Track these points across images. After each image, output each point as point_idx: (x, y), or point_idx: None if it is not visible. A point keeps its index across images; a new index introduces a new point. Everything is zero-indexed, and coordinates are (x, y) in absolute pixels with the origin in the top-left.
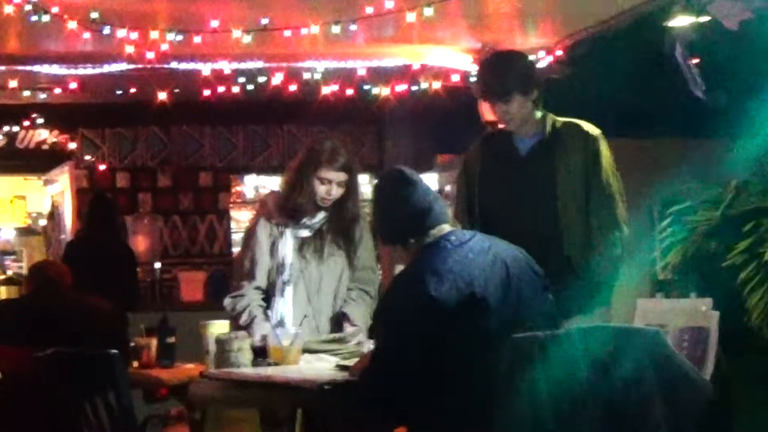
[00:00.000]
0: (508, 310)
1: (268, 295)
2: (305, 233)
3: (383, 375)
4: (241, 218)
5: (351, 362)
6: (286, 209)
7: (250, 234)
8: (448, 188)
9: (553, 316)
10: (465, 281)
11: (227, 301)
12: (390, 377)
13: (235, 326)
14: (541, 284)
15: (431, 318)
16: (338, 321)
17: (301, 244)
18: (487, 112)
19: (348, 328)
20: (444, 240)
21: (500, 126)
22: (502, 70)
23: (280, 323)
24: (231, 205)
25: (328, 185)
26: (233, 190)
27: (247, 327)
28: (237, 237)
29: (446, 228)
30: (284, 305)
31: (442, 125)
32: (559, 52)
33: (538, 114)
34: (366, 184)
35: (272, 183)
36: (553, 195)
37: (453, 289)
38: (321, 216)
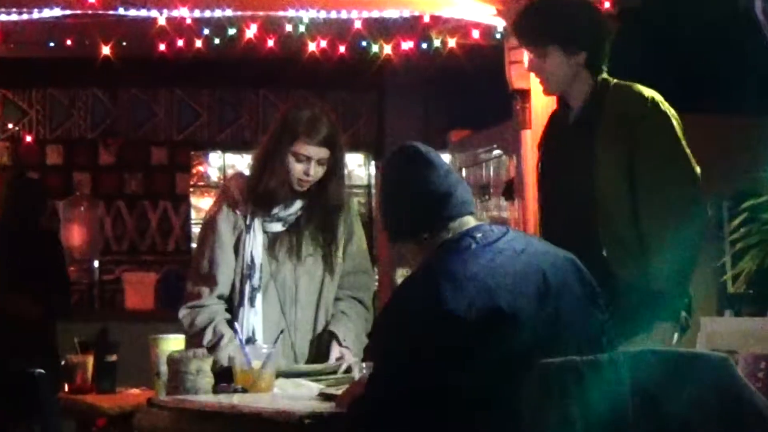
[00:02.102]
0: (542, 329)
1: (232, 305)
2: (277, 227)
3: (381, 406)
4: (203, 206)
5: (338, 390)
6: (254, 195)
7: (210, 227)
8: (464, 173)
9: (599, 339)
10: (489, 292)
11: (183, 313)
12: (389, 409)
13: (192, 343)
14: (590, 299)
15: (445, 336)
16: (322, 340)
17: (273, 241)
18: (516, 77)
19: (334, 351)
20: (467, 237)
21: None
22: (542, 10)
23: (250, 340)
24: (191, 190)
25: (306, 163)
26: (194, 171)
27: (211, 348)
28: (197, 229)
29: (471, 221)
30: (255, 317)
31: (459, 94)
32: (608, 4)
33: (591, 75)
34: (360, 166)
35: (243, 162)
36: (589, 177)
37: (474, 300)
38: (297, 206)
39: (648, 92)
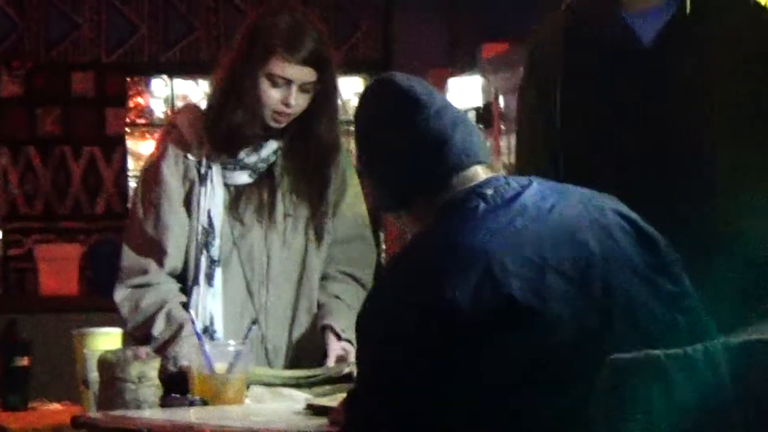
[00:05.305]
0: (586, 318)
1: (184, 284)
2: (243, 178)
3: (371, 426)
4: (143, 151)
5: (332, 401)
6: (213, 134)
7: (151, 176)
8: (502, 101)
9: (673, 321)
10: (501, 273)
11: (123, 295)
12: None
13: (136, 339)
14: (654, 266)
15: (446, 336)
16: (308, 334)
17: (237, 197)
18: None
19: (333, 347)
20: (474, 195)
21: None
22: None
23: (207, 332)
24: (127, 130)
25: (285, 89)
26: (131, 104)
27: (165, 345)
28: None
29: (479, 174)
30: (214, 300)
31: None
32: None
33: None
34: (359, 94)
35: (198, 91)
36: (702, 119)
37: (481, 286)
38: (271, 148)
39: None
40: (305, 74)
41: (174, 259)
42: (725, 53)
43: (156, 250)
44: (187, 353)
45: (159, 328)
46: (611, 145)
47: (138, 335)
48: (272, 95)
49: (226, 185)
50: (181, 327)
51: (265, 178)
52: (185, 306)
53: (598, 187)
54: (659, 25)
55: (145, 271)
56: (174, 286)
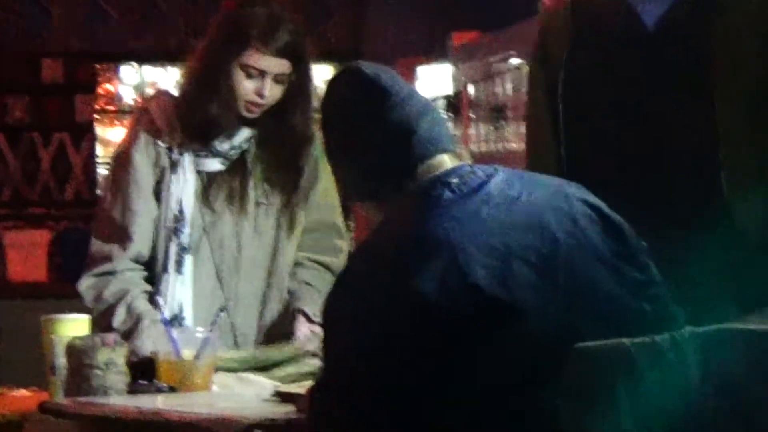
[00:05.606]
0: (551, 308)
1: (153, 271)
2: (215, 165)
3: (336, 417)
4: (112, 138)
5: (300, 387)
6: (186, 123)
7: (122, 162)
8: (471, 90)
9: (639, 309)
10: (465, 262)
11: (87, 283)
12: (349, 420)
13: (100, 325)
14: (618, 253)
15: (413, 330)
16: (278, 320)
17: (208, 184)
18: None
19: (301, 327)
20: (439, 184)
21: None
22: None
23: (176, 320)
24: (96, 117)
25: (259, 80)
26: (100, 91)
27: (126, 334)
28: (106, 171)
29: (445, 162)
30: (183, 288)
31: None
32: None
33: None
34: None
35: (168, 78)
36: (703, 114)
37: (446, 276)
38: (244, 136)
39: None
40: (280, 66)
41: (139, 245)
42: (727, 41)
43: (122, 237)
44: (147, 347)
45: (119, 320)
46: (611, 142)
47: (102, 325)
48: (246, 86)
49: (198, 172)
50: (139, 320)
51: (238, 165)
52: (151, 295)
53: (599, 186)
54: (663, 8)
55: (108, 258)
56: (138, 274)
